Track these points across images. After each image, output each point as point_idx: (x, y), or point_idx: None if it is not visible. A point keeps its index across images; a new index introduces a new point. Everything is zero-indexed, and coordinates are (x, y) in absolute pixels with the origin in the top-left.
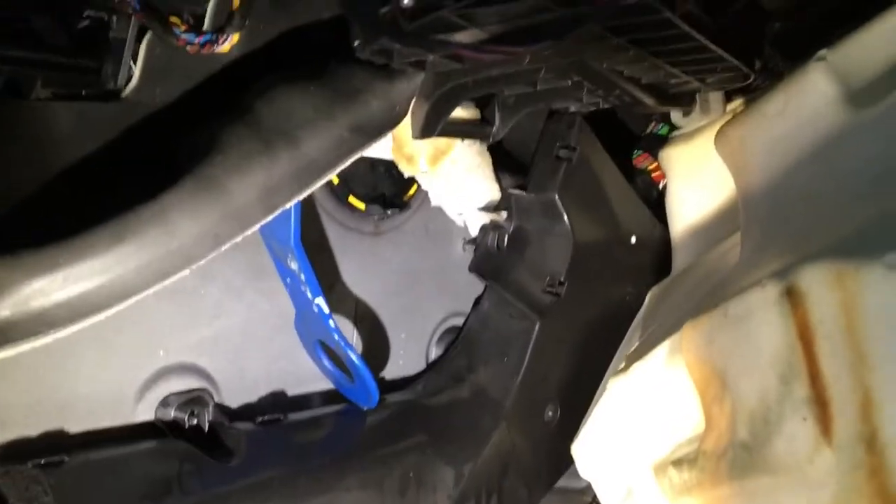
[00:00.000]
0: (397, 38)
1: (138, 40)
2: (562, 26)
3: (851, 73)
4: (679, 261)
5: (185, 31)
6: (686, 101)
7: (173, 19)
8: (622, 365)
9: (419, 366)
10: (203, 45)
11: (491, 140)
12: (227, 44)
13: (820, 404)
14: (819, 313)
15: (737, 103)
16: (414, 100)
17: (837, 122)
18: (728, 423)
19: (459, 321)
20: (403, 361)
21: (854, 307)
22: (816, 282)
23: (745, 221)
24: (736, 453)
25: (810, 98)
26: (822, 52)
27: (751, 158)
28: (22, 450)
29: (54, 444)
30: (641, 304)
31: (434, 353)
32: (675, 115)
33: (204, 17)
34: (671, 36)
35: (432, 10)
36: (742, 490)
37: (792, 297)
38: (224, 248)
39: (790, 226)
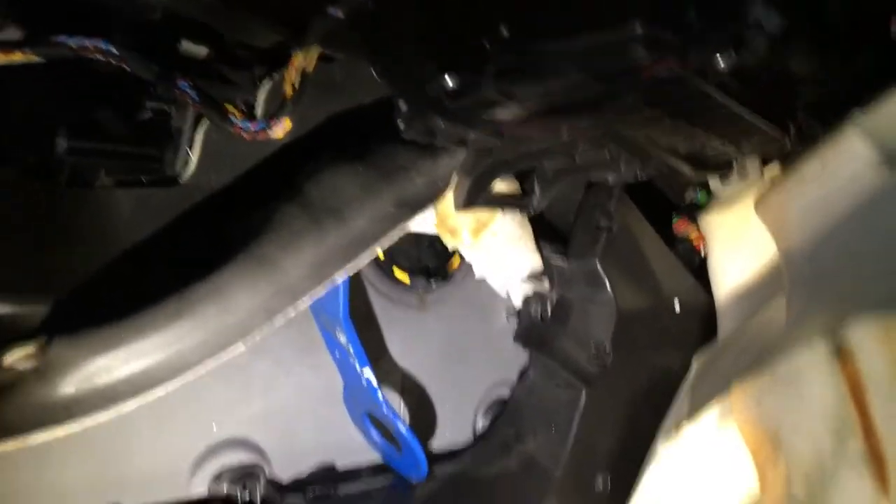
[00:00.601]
0: (442, 115)
1: (194, 128)
2: (599, 101)
3: (887, 135)
4: (724, 326)
5: (241, 120)
6: (723, 168)
7: (230, 108)
8: (672, 431)
9: (466, 437)
10: (258, 132)
11: (531, 212)
12: (281, 130)
13: (875, 459)
14: (869, 368)
15: (773, 168)
16: (456, 174)
17: (875, 183)
18: (783, 484)
19: (506, 392)
20: (450, 433)
21: None
22: (865, 337)
23: (789, 283)
24: None
25: (847, 161)
26: (857, 116)
27: (792, 222)
28: None
29: None
30: (687, 370)
31: (481, 424)
32: (713, 182)
33: (255, 104)
34: (706, 106)
35: (475, 89)
36: None
37: (841, 353)
38: (278, 321)
39: (835, 285)
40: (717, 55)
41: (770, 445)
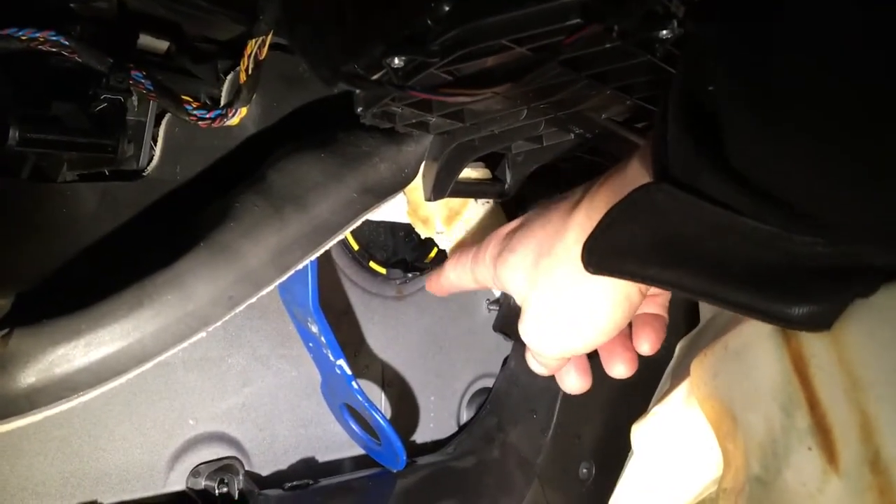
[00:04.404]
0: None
1: (157, 124)
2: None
3: None
4: (704, 314)
5: (197, 108)
6: None
7: (185, 97)
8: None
9: (451, 429)
10: (214, 120)
11: (503, 198)
12: (237, 117)
13: (822, 432)
14: (810, 346)
15: None
16: (424, 163)
17: None
18: (742, 458)
19: (489, 383)
20: (434, 425)
21: (841, 336)
22: None
23: None
24: (752, 488)
25: None
26: None
27: None
28: None
29: None
30: (672, 357)
31: (465, 415)
32: None
33: (220, 98)
34: (659, 80)
35: (423, 68)
36: None
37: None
38: (239, 309)
39: None
40: (662, 25)
41: (729, 419)
